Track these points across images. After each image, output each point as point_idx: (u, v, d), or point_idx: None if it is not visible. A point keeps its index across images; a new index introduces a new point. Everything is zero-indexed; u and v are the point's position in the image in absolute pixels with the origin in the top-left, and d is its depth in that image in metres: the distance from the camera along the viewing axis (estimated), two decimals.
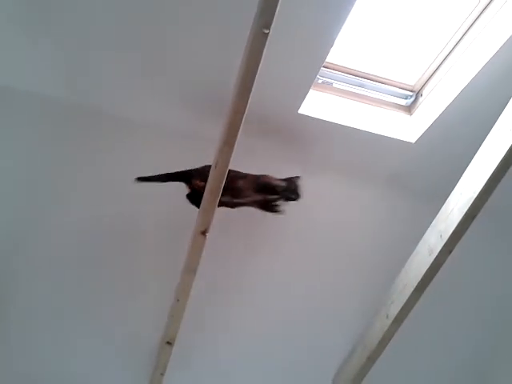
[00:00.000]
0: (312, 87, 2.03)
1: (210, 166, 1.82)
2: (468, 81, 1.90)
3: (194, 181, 2.00)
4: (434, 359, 2.59)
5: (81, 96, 2.06)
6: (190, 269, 2.00)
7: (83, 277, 2.29)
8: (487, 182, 1.72)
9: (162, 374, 2.28)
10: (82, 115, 2.08)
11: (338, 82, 2.16)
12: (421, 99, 2.19)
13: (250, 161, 2.02)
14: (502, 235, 2.41)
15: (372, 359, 2.17)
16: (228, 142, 1.74)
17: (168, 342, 2.19)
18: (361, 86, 2.17)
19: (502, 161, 1.68)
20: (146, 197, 2.17)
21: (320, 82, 2.13)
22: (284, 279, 2.39)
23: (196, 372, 2.43)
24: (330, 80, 2.14)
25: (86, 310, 2.33)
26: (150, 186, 2.00)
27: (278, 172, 2.14)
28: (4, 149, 2.11)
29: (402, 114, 2.22)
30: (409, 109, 2.23)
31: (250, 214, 2.07)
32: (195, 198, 1.98)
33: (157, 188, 2.09)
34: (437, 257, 1.86)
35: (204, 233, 1.93)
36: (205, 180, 1.85)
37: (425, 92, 2.17)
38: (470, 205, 1.75)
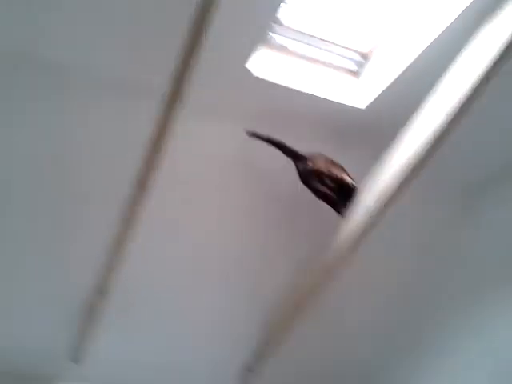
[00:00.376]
0: (262, 44, 1.97)
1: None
2: (420, 50, 1.93)
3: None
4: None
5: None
6: (129, 219, 1.98)
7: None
8: (424, 151, 1.81)
9: (94, 322, 2.27)
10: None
11: (289, 41, 2.10)
12: (371, 65, 2.18)
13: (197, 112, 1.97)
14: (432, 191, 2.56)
15: (301, 307, 2.29)
16: (173, 98, 1.70)
17: (102, 291, 2.18)
18: (312, 46, 2.12)
19: (433, 136, 1.78)
20: (82, 144, 2.06)
21: (271, 39, 2.05)
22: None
23: (130, 321, 2.43)
24: (280, 38, 2.08)
25: (11, 257, 2.21)
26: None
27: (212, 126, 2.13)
28: None
29: (353, 79, 2.20)
30: (359, 74, 2.21)
31: None
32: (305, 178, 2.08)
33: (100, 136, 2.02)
34: (372, 218, 1.96)
35: (144, 185, 1.90)
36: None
37: (375, 57, 2.17)
38: (407, 172, 1.85)
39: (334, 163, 2.11)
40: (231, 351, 2.62)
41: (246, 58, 1.92)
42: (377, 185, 2.01)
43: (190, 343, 2.57)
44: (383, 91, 2.06)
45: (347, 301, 2.64)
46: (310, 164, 2.07)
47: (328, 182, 2.08)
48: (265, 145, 2.11)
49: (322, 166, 2.07)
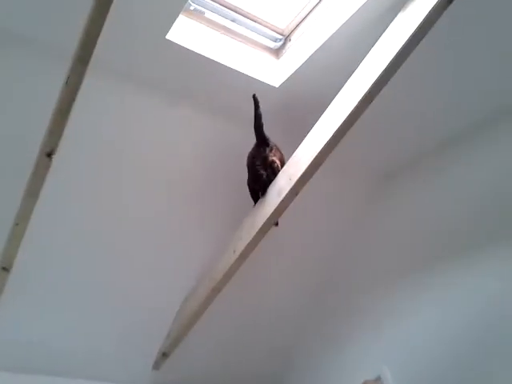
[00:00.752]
0: (182, 13, 1.95)
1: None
2: (334, 30, 1.95)
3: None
4: (278, 290, 2.79)
5: None
6: (32, 192, 1.90)
7: None
8: (334, 134, 1.83)
9: None
10: None
11: (210, 12, 2.08)
12: (289, 44, 2.21)
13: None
14: (344, 177, 2.61)
15: (216, 290, 2.27)
16: (82, 60, 1.63)
17: (4, 268, 2.07)
18: (233, 20, 2.12)
19: (348, 116, 1.79)
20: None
21: (192, 8, 2.03)
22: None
23: (30, 298, 2.32)
24: (201, 8, 2.06)
25: None
26: None
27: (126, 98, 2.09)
28: None
29: (269, 57, 2.23)
30: (276, 52, 2.25)
31: None
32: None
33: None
34: (284, 198, 1.97)
35: (49, 155, 1.82)
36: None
37: (293, 37, 2.20)
38: (316, 154, 1.86)
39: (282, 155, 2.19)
40: (147, 336, 2.56)
41: (165, 25, 1.88)
42: (288, 166, 2.03)
43: (100, 323, 2.48)
44: (296, 70, 2.08)
45: (263, 283, 2.67)
46: (270, 153, 2.13)
47: (269, 170, 2.12)
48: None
49: (277, 157, 2.15)
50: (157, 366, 2.60)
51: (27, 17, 1.82)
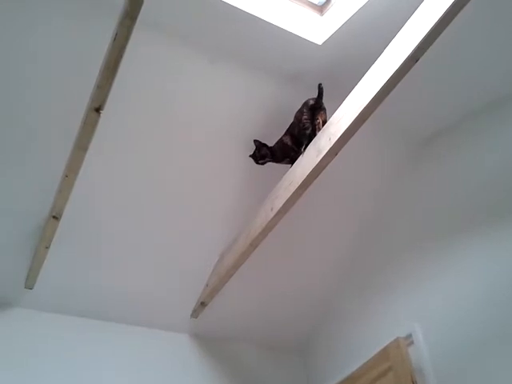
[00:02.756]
0: None
1: None
2: None
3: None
4: (315, 249, 2.85)
5: None
6: (81, 146, 1.97)
7: None
8: (378, 92, 1.81)
9: (47, 247, 2.29)
10: None
11: None
12: (333, 1, 2.17)
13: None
14: (384, 141, 2.60)
15: (253, 245, 2.35)
16: (130, 15, 1.65)
17: (54, 217, 2.19)
18: None
19: (393, 74, 1.76)
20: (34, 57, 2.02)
21: None
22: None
23: (80, 247, 2.46)
24: None
25: None
26: None
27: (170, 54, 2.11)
28: None
29: (313, 14, 2.20)
30: (320, 9, 2.21)
31: None
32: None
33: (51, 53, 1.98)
34: (323, 158, 1.99)
35: (98, 110, 1.88)
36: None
37: None
38: (359, 112, 1.85)
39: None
40: (183, 284, 2.69)
41: None
42: (329, 125, 2.04)
43: (144, 273, 2.62)
44: (340, 28, 2.06)
45: (299, 240, 2.73)
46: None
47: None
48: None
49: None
50: (195, 314, 2.74)
51: None
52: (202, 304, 2.66)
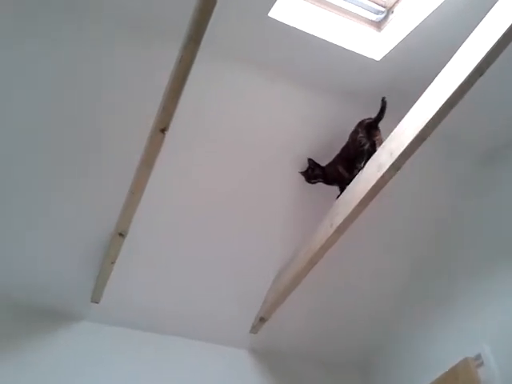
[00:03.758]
0: None
1: None
2: (440, 2, 1.89)
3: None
4: (375, 266, 2.81)
5: None
6: (147, 164, 2.02)
7: (36, 163, 2.26)
8: (442, 106, 1.78)
9: (113, 263, 2.37)
10: None
11: None
12: (391, 16, 2.17)
13: None
14: (447, 157, 2.54)
15: (312, 263, 2.34)
16: (194, 39, 1.71)
17: (120, 234, 2.27)
18: None
19: (457, 88, 1.74)
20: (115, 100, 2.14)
21: None
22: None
23: (144, 262, 2.54)
24: None
25: (35, 199, 2.33)
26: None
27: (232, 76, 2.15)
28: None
29: (371, 30, 2.20)
30: (378, 25, 2.21)
31: None
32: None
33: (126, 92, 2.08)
34: (384, 173, 1.97)
35: (163, 130, 1.93)
36: None
37: (396, 9, 2.15)
38: (422, 127, 1.83)
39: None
40: (245, 301, 2.71)
41: (267, 3, 1.93)
42: (390, 140, 2.02)
43: (204, 288, 2.66)
44: (399, 43, 2.05)
45: (361, 257, 2.70)
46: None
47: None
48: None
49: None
50: (254, 329, 2.75)
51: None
52: (262, 320, 2.67)
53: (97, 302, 2.57)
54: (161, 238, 2.49)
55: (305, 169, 2.40)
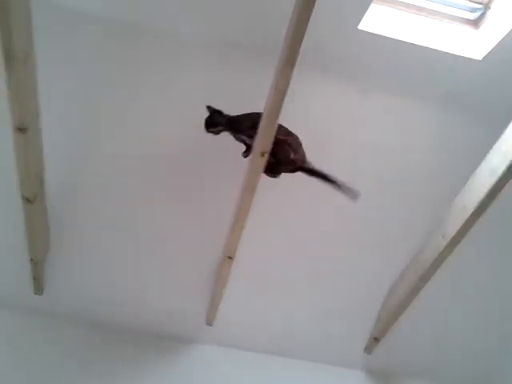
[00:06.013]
0: (373, 1, 1.95)
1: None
2: None
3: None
4: (491, 281, 2.63)
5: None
6: (250, 187, 2.06)
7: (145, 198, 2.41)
8: None
9: (224, 286, 2.44)
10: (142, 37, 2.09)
11: None
12: (489, 12, 2.05)
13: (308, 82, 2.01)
14: None
15: (424, 279, 2.23)
16: (289, 62, 1.72)
17: (229, 257, 2.33)
18: None
19: None
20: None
21: None
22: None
23: (254, 285, 2.58)
24: None
25: (149, 227, 2.48)
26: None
27: (333, 92, 2.13)
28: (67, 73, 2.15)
29: (468, 29, 2.10)
30: (475, 23, 2.10)
31: None
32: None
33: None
34: (499, 178, 1.84)
35: (263, 154, 1.96)
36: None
37: (493, 4, 2.03)
38: None
39: None
40: (356, 320, 2.65)
41: (356, 16, 1.93)
42: (502, 142, 1.88)
43: (315, 308, 2.64)
44: (502, 39, 1.93)
45: (476, 272, 2.52)
46: None
47: None
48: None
49: None
50: (368, 350, 2.67)
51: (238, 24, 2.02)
52: (375, 339, 2.59)
53: (210, 325, 2.65)
54: (270, 260, 2.52)
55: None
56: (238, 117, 2.09)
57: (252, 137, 2.04)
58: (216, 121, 2.08)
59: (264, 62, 1.93)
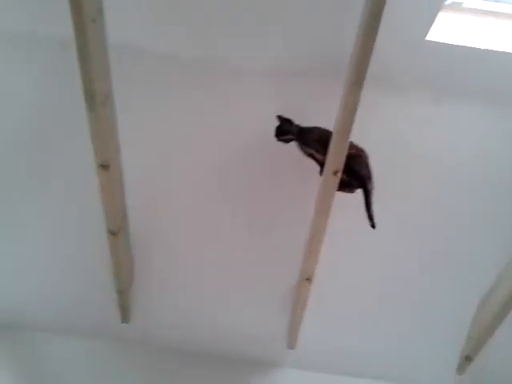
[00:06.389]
0: (440, 10, 1.91)
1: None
2: None
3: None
4: None
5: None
6: (323, 210, 2.04)
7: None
8: None
9: (303, 309, 2.42)
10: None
11: (469, 1, 1.99)
12: None
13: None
14: None
15: None
16: (357, 82, 1.71)
17: (307, 279, 2.31)
18: (495, 0, 1.98)
19: None
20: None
21: (448, 3, 1.98)
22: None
23: (334, 307, 2.54)
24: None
25: (226, 253, 2.51)
26: None
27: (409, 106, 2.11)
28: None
29: None
30: None
31: None
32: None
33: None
34: None
35: (336, 173, 1.94)
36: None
37: None
38: None
39: None
40: (445, 339, 2.54)
41: (423, 27, 1.89)
42: None
43: (403, 332, 2.57)
44: None
45: None
46: None
47: None
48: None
49: None
50: (461, 370, 2.53)
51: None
52: (467, 358, 2.45)
53: (292, 348, 2.63)
54: (347, 281, 2.48)
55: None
56: (307, 128, 2.11)
57: (318, 151, 2.06)
58: (286, 129, 2.11)
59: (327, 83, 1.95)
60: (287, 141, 2.13)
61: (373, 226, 2.04)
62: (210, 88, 2.18)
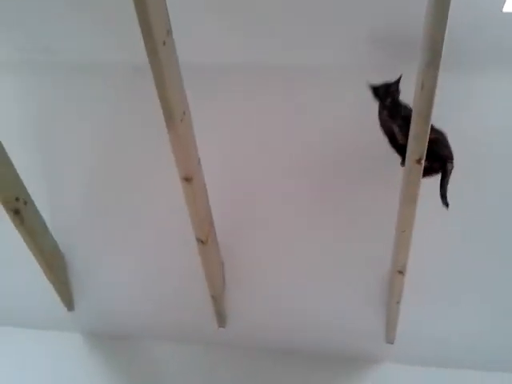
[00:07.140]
0: None
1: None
2: None
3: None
4: None
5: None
6: (409, 199, 1.97)
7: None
8: None
9: (398, 303, 2.36)
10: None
11: None
12: None
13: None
14: None
15: None
16: (433, 61, 1.62)
17: (399, 271, 2.25)
18: None
19: None
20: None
21: None
22: None
23: (430, 297, 2.46)
24: None
25: (313, 251, 2.51)
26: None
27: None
28: None
29: None
30: None
31: None
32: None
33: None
34: None
35: (419, 161, 1.86)
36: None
37: None
38: None
39: None
40: None
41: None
42: None
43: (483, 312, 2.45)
44: None
45: None
46: None
47: None
48: None
49: None
50: None
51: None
52: None
53: (391, 343, 2.57)
54: (441, 270, 2.38)
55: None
56: (401, 102, 2.04)
57: (401, 129, 2.01)
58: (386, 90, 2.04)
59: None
60: (384, 99, 2.05)
61: (446, 204, 1.98)
62: (283, 91, 2.20)
